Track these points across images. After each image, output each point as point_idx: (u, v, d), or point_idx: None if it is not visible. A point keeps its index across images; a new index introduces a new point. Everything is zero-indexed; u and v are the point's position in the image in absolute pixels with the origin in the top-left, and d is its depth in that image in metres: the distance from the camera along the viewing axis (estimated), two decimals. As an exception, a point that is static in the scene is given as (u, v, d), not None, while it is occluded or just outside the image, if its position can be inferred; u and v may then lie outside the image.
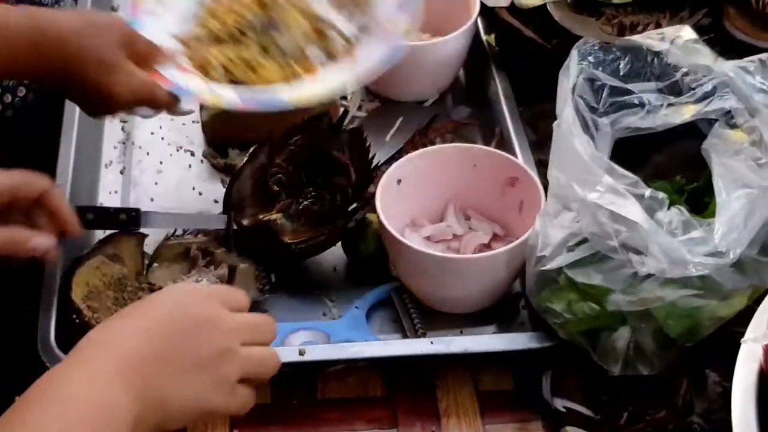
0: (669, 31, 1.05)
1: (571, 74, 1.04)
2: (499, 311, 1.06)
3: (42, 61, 0.96)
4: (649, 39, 1.05)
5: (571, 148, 0.96)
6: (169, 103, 1.03)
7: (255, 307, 1.04)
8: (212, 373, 0.70)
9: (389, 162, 1.18)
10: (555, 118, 1.01)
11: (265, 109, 1.05)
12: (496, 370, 1.00)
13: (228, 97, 1.06)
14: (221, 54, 1.09)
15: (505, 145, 1.20)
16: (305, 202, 1.10)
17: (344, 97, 1.31)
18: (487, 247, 1.08)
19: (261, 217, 1.09)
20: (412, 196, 1.09)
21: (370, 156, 1.12)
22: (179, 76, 1.06)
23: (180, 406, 0.69)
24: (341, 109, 1.23)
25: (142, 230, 1.08)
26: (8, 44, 0.95)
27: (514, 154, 1.15)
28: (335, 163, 1.12)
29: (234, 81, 1.08)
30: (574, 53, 1.05)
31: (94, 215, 1.06)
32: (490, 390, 0.99)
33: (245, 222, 1.08)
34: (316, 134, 1.13)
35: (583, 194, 0.93)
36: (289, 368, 0.98)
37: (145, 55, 1.02)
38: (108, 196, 1.19)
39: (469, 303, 1.05)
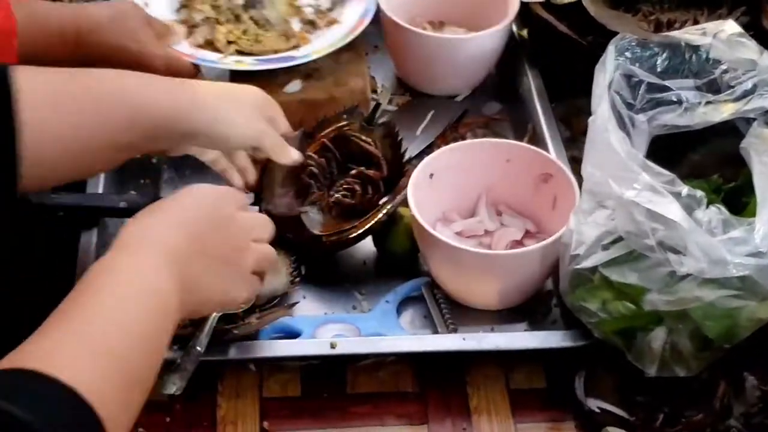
0: (710, 25, 1.03)
1: (608, 70, 1.02)
2: (531, 309, 1.04)
3: (83, 50, 1.06)
4: (689, 34, 1.04)
5: (607, 144, 0.95)
6: (192, 74, 1.16)
7: (284, 297, 1.04)
8: (234, 266, 0.82)
9: (420, 156, 1.18)
10: (589, 114, 0.99)
11: (282, 66, 1.19)
12: (528, 368, 0.99)
13: (247, 62, 1.21)
14: (227, 30, 1.25)
15: (537, 141, 1.18)
16: (337, 195, 1.09)
17: (375, 91, 1.31)
18: (519, 243, 1.07)
19: (292, 208, 1.08)
20: (444, 191, 1.08)
21: (402, 149, 1.11)
22: (196, 52, 1.21)
23: (210, 295, 0.79)
24: (372, 103, 1.23)
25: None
26: (52, 39, 1.04)
27: (546, 150, 1.14)
28: (367, 157, 1.11)
29: (241, 53, 1.23)
30: (611, 48, 1.04)
31: (128, 204, 1.08)
32: (522, 388, 0.98)
33: (276, 212, 1.07)
34: (348, 127, 1.13)
35: (619, 191, 0.92)
36: (319, 361, 0.98)
37: (161, 34, 1.17)
38: (139, 185, 1.19)
39: (500, 299, 1.03)
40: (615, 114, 1.00)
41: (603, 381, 0.95)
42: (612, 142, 0.95)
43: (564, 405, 0.96)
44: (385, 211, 1.06)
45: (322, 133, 1.12)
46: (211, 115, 0.94)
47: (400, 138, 1.12)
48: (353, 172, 1.10)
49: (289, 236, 1.05)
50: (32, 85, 0.83)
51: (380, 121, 1.18)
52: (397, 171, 1.09)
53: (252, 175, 1.09)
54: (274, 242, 1.06)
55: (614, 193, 0.92)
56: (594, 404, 0.94)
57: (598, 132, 0.96)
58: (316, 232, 1.06)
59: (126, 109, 0.88)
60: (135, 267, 0.72)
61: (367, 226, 1.06)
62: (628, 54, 1.05)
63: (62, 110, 0.84)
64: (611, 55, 1.03)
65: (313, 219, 1.08)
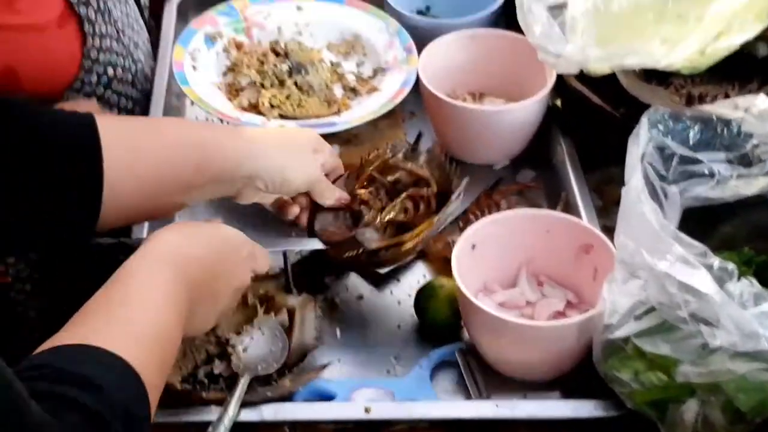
0: (742, 100, 1.05)
1: (641, 141, 1.04)
2: (564, 376, 1.05)
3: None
4: (720, 108, 1.06)
5: (640, 215, 0.96)
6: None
7: (316, 357, 1.07)
8: (223, 305, 0.93)
9: (455, 222, 1.20)
10: (621, 184, 1.01)
11: (323, 132, 1.18)
12: (560, 436, 1.00)
13: (290, 126, 1.25)
14: (271, 95, 1.29)
15: (570, 209, 1.20)
16: (390, 215, 1.11)
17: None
18: (561, 314, 1.09)
19: (346, 232, 1.10)
20: (486, 261, 1.10)
21: (449, 168, 1.14)
22: (241, 114, 1.25)
23: (201, 323, 0.92)
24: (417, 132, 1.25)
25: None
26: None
27: (579, 218, 1.16)
28: (415, 180, 1.14)
29: (284, 116, 1.28)
30: (644, 121, 1.06)
31: None
32: (554, 457, 0.99)
33: (331, 239, 1.09)
34: (393, 158, 1.16)
35: (651, 262, 0.93)
36: (353, 425, 0.99)
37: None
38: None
39: (539, 370, 1.05)
40: (648, 185, 1.02)
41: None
42: (645, 212, 0.96)
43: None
44: (437, 220, 1.08)
45: (369, 169, 1.15)
46: (270, 160, 1.01)
47: (446, 157, 1.16)
48: (404, 193, 1.13)
49: (347, 257, 1.08)
50: (114, 134, 0.92)
51: (425, 149, 1.19)
52: (447, 186, 1.13)
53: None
54: (308, 282, 1.13)
55: (647, 263, 0.94)
56: (626, 474, 0.94)
57: (632, 203, 0.98)
58: (373, 246, 1.07)
59: (195, 155, 0.97)
60: (161, 278, 0.84)
61: (421, 236, 1.08)
62: (660, 126, 1.07)
63: (140, 158, 0.93)
64: (644, 127, 1.05)
65: (369, 238, 1.09)
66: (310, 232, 1.11)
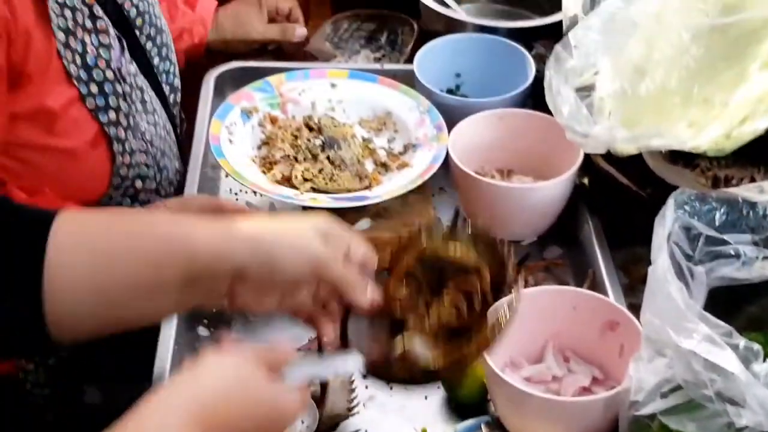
0: (767, 184, 1.08)
1: (667, 222, 1.06)
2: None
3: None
4: (746, 191, 1.08)
5: (666, 294, 0.98)
6: None
7: (342, 420, 1.08)
8: None
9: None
10: (648, 263, 1.03)
11: (354, 205, 1.26)
12: None
13: (322, 199, 1.28)
14: (304, 168, 1.32)
15: (597, 287, 1.22)
16: (438, 318, 0.96)
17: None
18: (587, 390, 1.09)
19: (391, 348, 0.95)
20: (512, 336, 1.09)
21: (501, 248, 0.98)
22: (274, 188, 1.28)
23: None
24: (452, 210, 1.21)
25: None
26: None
27: (606, 296, 1.17)
28: (463, 268, 0.98)
29: (316, 190, 1.31)
30: (670, 201, 1.08)
31: None
32: None
33: (373, 358, 0.94)
34: (431, 246, 0.99)
35: (677, 341, 0.94)
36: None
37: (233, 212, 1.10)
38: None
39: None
40: (674, 264, 1.03)
41: None
42: (671, 292, 0.98)
43: None
44: (504, 319, 0.94)
45: (402, 262, 0.99)
46: (256, 244, 0.86)
47: (495, 238, 0.99)
48: (451, 286, 0.97)
49: (399, 377, 0.96)
50: (69, 227, 0.83)
51: (466, 228, 1.01)
52: (502, 274, 0.97)
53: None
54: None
55: (672, 342, 0.95)
56: None
57: (658, 282, 1.00)
58: (429, 366, 0.94)
59: (161, 245, 0.84)
60: (179, 421, 0.76)
61: (483, 345, 0.95)
62: (687, 207, 1.09)
63: (94, 251, 0.83)
64: (671, 208, 1.08)
65: (419, 353, 0.95)
66: (344, 342, 0.96)
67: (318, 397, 1.08)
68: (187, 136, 1.46)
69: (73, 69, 1.16)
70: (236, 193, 1.43)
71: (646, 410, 0.96)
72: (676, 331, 0.95)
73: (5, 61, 1.10)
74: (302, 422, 1.06)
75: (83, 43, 1.17)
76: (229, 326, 1.23)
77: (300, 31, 1.63)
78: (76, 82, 1.17)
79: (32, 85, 1.14)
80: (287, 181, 1.32)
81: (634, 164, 1.26)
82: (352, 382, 1.11)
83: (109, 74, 1.20)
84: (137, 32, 1.31)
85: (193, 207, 1.12)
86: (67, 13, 1.16)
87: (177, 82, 1.41)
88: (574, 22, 1.27)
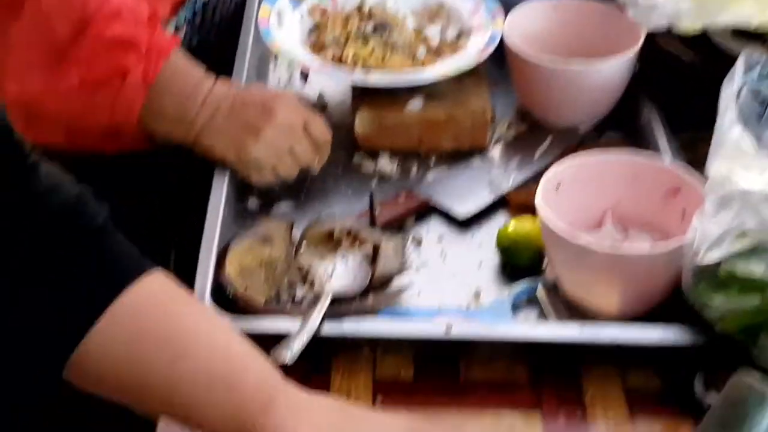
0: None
1: (735, 83, 1.03)
2: (647, 314, 1.02)
3: None
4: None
5: (734, 142, 0.95)
6: None
7: (395, 275, 1.07)
8: None
9: (536, 179, 1.19)
10: (710, 144, 1.00)
11: (407, 84, 1.25)
12: (645, 365, 0.97)
13: (374, 78, 1.25)
14: (356, 49, 1.30)
15: (657, 164, 1.18)
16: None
17: (492, 118, 1.32)
18: (647, 255, 1.06)
19: None
20: (570, 202, 1.07)
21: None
22: (326, 65, 1.27)
23: None
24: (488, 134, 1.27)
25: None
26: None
27: (666, 167, 1.14)
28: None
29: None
30: (740, 62, 1.05)
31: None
32: (638, 386, 0.96)
33: None
34: None
35: (745, 186, 0.91)
36: (433, 345, 0.98)
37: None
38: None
39: (624, 305, 1.01)
40: (741, 120, 1.00)
41: (723, 380, 0.92)
42: (738, 140, 0.95)
43: (682, 405, 0.93)
44: None
45: None
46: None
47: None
48: None
49: None
50: (126, 310, 0.78)
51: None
52: None
53: None
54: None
55: (740, 189, 0.92)
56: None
57: (724, 131, 0.97)
58: None
59: (215, 381, 0.79)
60: None
61: None
62: (756, 70, 1.05)
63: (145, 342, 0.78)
64: (740, 69, 1.04)
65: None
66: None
67: (371, 258, 1.07)
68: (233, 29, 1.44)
69: None
70: (285, 85, 1.41)
71: (710, 257, 0.92)
72: (744, 178, 0.92)
73: None
74: (355, 277, 1.04)
75: None
76: (279, 199, 1.21)
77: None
78: None
79: None
80: (339, 61, 1.30)
81: (699, 42, 1.23)
82: (405, 246, 1.09)
83: None
84: None
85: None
86: None
87: None
88: None
